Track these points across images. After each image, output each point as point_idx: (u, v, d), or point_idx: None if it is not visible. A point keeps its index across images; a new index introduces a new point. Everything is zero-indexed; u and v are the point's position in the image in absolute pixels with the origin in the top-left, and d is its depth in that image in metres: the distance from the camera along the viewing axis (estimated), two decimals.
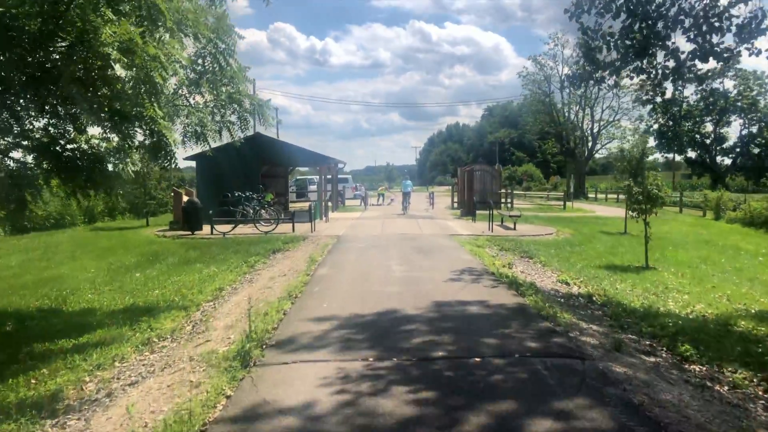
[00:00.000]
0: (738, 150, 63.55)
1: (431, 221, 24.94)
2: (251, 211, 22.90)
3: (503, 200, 36.04)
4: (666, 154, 67.21)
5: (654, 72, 10.23)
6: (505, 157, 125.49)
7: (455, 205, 35.48)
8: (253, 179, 25.27)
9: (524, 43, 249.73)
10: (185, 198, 21.60)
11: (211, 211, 21.15)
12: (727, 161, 65.67)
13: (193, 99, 11.71)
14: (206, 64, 10.88)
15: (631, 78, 10.80)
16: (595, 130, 63.51)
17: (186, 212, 20.56)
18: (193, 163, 26.26)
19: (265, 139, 25.73)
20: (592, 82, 10.84)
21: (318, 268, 12.54)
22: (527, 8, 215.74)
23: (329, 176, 31.26)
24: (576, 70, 10.97)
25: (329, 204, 31.90)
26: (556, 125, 64.34)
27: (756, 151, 61.85)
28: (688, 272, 13.45)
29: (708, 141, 64.47)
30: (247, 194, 23.42)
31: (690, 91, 63.74)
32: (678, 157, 68.33)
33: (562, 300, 10.20)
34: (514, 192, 39.30)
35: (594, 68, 10.52)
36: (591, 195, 59.36)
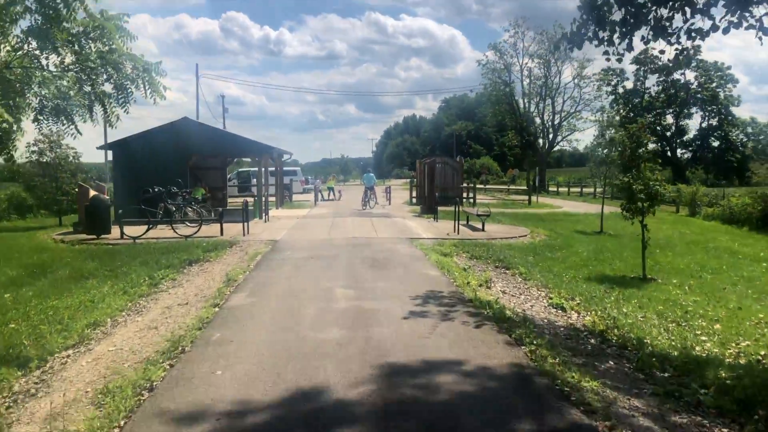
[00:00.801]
0: (698, 143, 62.68)
1: (388, 221, 21.86)
2: (174, 210, 19.35)
3: (465, 195, 33.31)
4: None
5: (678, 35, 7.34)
6: (462, 150, 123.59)
7: (414, 200, 32.53)
8: (179, 172, 21.67)
9: (479, 36, 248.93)
10: (92, 194, 17.84)
11: (120, 211, 17.53)
12: (687, 154, 64.85)
13: (48, 60, 8.41)
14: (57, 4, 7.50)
15: (646, 42, 7.88)
16: (556, 122, 61.58)
17: (89, 212, 16.86)
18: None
19: (194, 126, 22.18)
20: (596, 42, 7.90)
21: (233, 293, 9.27)
22: (482, 1, 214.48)
23: (272, 168, 27.86)
24: (577, 28, 7.97)
25: (273, 200, 28.46)
26: (515, 117, 62.13)
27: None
28: (694, 284, 11.44)
29: (669, 133, 63.42)
30: (170, 189, 19.84)
31: (651, 82, 62.67)
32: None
33: (568, 341, 7.29)
34: (474, 186, 36.58)
35: (598, 29, 7.67)
36: (552, 188, 57.43)
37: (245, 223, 17.39)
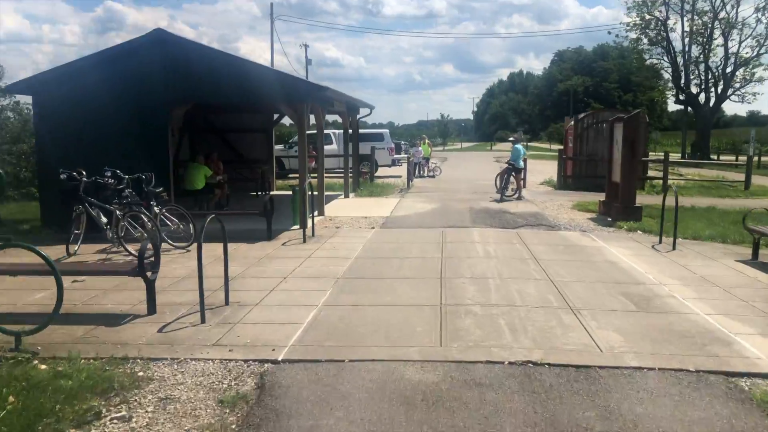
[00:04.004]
0: None
1: (570, 249, 10.19)
2: (119, 213, 9.05)
3: (644, 175, 20.88)
4: None
5: None
6: (578, 109, 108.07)
7: (568, 181, 20.47)
8: (152, 136, 11.19)
9: None
10: None
11: None
12: None
13: None
14: None
15: None
16: (728, 71, 46.35)
17: None
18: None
19: (177, 47, 11.41)
20: None
21: None
22: None
23: (336, 131, 16.99)
24: None
25: (341, 180, 17.50)
26: (673, 64, 47.42)
27: None
28: None
29: None
30: (106, 176, 9.44)
31: None
32: None
33: None
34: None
35: None
36: (723, 157, 42.99)
37: (271, 230, 6.47)
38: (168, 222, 9.74)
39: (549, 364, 4.74)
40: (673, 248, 9.64)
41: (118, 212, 9.26)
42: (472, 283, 7.27)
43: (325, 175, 24.57)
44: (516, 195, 16.46)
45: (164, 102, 11.30)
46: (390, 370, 4.67)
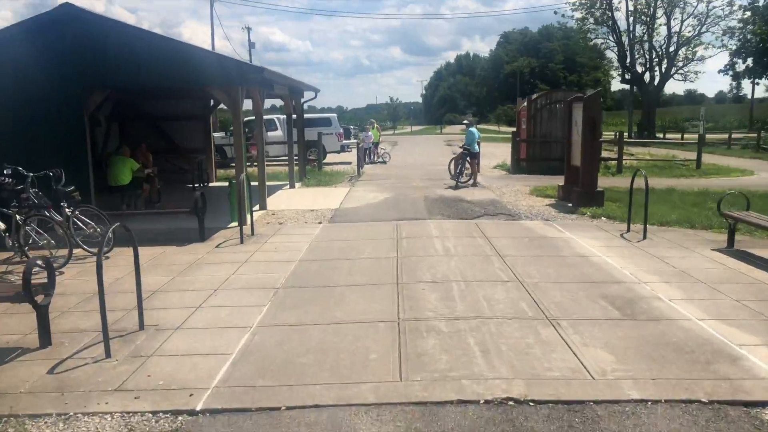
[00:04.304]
0: None
1: (540, 242, 9.40)
2: (18, 217, 7.70)
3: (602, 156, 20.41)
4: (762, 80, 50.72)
5: None
6: (525, 91, 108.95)
7: (522, 165, 19.80)
8: (69, 127, 9.83)
9: None
10: None
11: None
12: None
13: None
14: None
15: None
16: (671, 50, 46.94)
17: None
18: None
19: (87, 23, 10.00)
20: None
21: None
22: None
23: (280, 117, 15.74)
24: None
25: (295, 169, 16.35)
26: (618, 43, 47.71)
27: None
28: None
29: None
30: (4, 174, 8.08)
31: None
32: None
33: None
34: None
35: None
36: (669, 136, 43.55)
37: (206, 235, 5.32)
38: (82, 225, 8.46)
39: (534, 402, 3.85)
40: (644, 237, 8.97)
41: (18, 217, 7.92)
42: (433, 290, 6.35)
43: (271, 163, 23.40)
44: (471, 181, 15.65)
45: (77, 88, 9.90)
46: (338, 421, 3.68)
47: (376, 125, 27.90)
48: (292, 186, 15.98)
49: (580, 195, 12.08)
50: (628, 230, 9.51)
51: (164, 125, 17.51)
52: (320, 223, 10.71)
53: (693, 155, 25.01)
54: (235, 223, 10.33)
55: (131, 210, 11.60)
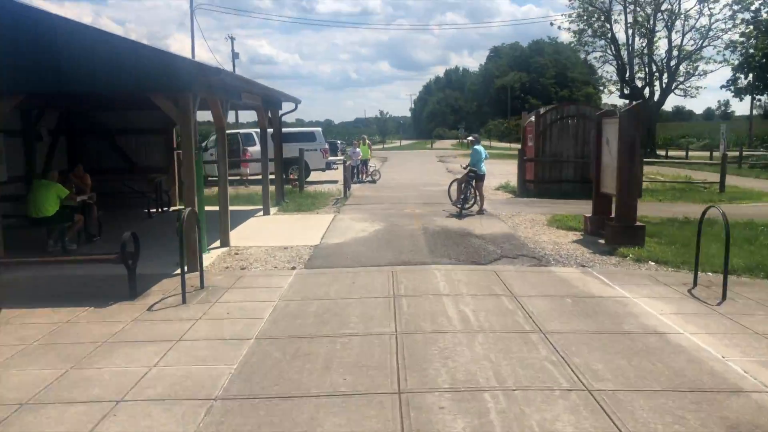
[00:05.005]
0: None
1: (579, 303, 7.12)
2: None
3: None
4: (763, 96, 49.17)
5: None
6: (516, 106, 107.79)
7: (530, 187, 17.59)
8: None
9: None
10: None
11: None
12: None
13: None
14: None
15: None
16: (671, 63, 45.25)
17: None
18: None
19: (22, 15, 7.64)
20: None
21: None
22: None
23: (256, 131, 13.34)
24: None
25: (270, 190, 14.03)
26: (617, 57, 46.01)
27: None
28: None
29: None
30: None
31: None
32: None
33: None
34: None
35: None
36: (672, 153, 41.74)
37: None
38: None
39: None
40: (724, 297, 6.71)
41: None
42: (457, 408, 4.03)
43: (249, 184, 21.06)
44: (476, 208, 13.39)
45: None
46: None
47: (367, 141, 25.59)
48: (266, 212, 13.64)
49: (615, 231, 9.84)
50: (695, 284, 7.27)
51: (121, 140, 15.17)
52: (294, 268, 8.37)
53: (708, 176, 23.06)
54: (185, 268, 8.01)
55: (56, 248, 9.22)
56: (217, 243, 9.90)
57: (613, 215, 10.76)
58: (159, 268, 8.21)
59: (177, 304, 6.64)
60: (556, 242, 10.17)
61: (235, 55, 51.62)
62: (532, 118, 18.28)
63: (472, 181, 13.07)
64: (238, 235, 10.80)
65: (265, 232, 11.28)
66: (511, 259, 8.80)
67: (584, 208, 14.28)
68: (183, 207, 14.47)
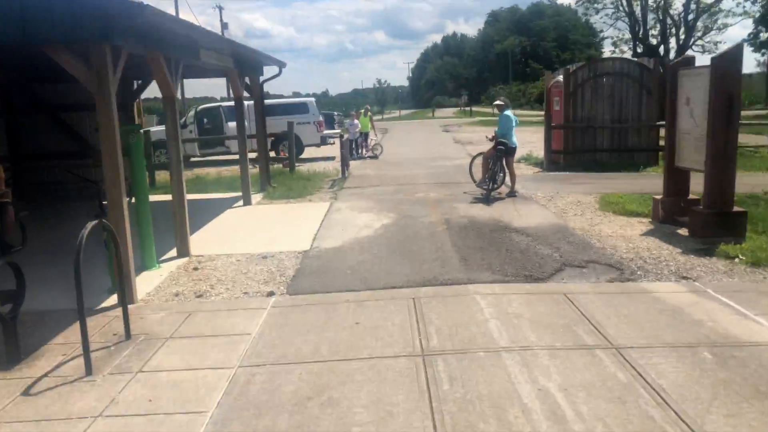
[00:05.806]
0: None
1: (717, 355, 4.57)
2: None
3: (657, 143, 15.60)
4: None
5: None
6: (517, 71, 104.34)
7: (558, 158, 14.99)
8: None
9: None
10: None
11: None
12: None
13: None
14: None
15: None
16: (689, 18, 42.18)
17: None
18: None
19: None
20: None
21: None
22: None
23: (249, 102, 10.69)
24: None
25: (250, 173, 11.47)
26: (630, 15, 42.88)
27: None
28: None
29: None
30: None
31: None
32: None
33: None
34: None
35: None
36: None
37: None
38: None
39: None
40: None
41: None
42: None
43: (231, 161, 18.48)
44: (507, 189, 10.78)
45: None
46: None
47: (369, 112, 22.76)
48: (246, 201, 11.04)
49: (706, 219, 7.28)
50: None
51: (69, 117, 12.56)
52: (271, 294, 5.83)
53: (746, 138, 20.44)
54: (112, 300, 5.55)
55: None
56: (173, 252, 7.38)
57: (691, 197, 8.25)
58: (86, 297, 5.69)
59: (77, 378, 4.14)
60: (624, 236, 7.61)
61: (224, 26, 48.56)
62: (559, 78, 15.55)
63: (501, 155, 10.39)
64: (205, 237, 8.28)
65: (242, 231, 8.72)
66: (579, 269, 6.24)
67: (631, 183, 11.75)
68: (161, 193, 12.05)
